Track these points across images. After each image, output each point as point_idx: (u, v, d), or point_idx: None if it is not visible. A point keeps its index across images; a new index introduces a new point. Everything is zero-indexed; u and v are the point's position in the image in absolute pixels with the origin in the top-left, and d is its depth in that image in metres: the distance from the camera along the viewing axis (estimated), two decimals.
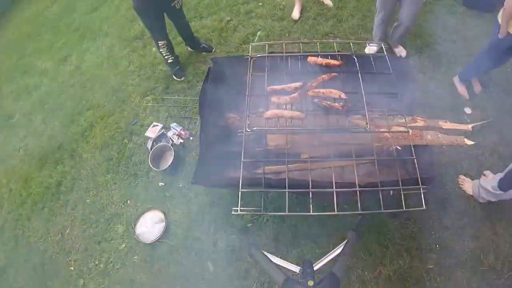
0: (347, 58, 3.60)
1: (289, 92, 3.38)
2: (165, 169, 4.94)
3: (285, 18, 6.66)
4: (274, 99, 3.34)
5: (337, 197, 2.84)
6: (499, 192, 3.85)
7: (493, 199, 4.05)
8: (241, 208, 2.92)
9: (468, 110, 5.03)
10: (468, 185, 4.34)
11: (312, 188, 2.89)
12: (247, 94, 3.38)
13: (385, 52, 3.72)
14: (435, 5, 6.37)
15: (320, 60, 3.48)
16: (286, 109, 3.33)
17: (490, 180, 3.97)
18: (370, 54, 3.82)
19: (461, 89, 5.11)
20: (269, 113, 3.21)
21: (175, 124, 5.55)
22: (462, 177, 4.42)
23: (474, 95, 5.12)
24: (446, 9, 6.27)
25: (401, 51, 5.74)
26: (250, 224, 4.46)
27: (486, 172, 4.40)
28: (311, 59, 3.52)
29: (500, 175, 3.77)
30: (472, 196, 4.26)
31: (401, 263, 3.99)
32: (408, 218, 4.25)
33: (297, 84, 3.37)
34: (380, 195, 2.88)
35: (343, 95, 3.20)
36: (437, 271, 3.95)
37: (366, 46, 5.67)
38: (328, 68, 3.49)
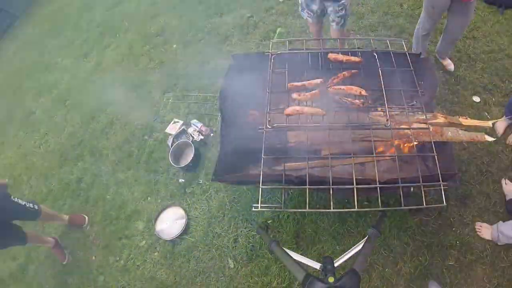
0: (368, 55, 3.59)
1: (309, 89, 3.39)
2: (186, 165, 4.94)
3: None
4: (294, 95, 3.35)
5: (358, 194, 2.83)
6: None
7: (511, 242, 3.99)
8: (261, 205, 2.92)
9: (476, 99, 5.03)
10: (486, 232, 4.17)
11: (332, 185, 2.87)
12: (267, 90, 3.39)
13: (405, 48, 3.70)
14: (470, 18, 6.34)
15: (340, 56, 3.49)
16: (306, 105, 3.33)
17: (509, 224, 3.89)
18: (391, 50, 3.78)
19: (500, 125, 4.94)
20: (289, 109, 3.22)
21: (195, 120, 5.54)
22: (478, 223, 4.25)
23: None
24: None
25: (449, 64, 5.54)
26: (270, 221, 4.45)
27: (507, 181, 4.36)
28: (331, 56, 3.53)
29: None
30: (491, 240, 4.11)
31: (421, 260, 3.97)
32: (429, 214, 4.21)
33: (318, 80, 3.37)
34: (400, 192, 2.86)
35: (363, 92, 3.21)
36: (458, 267, 3.92)
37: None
38: (349, 65, 3.49)
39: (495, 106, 4.91)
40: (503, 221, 3.93)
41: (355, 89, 3.23)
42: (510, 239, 3.88)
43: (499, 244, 4.00)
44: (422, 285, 3.85)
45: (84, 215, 5.16)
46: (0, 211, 4.13)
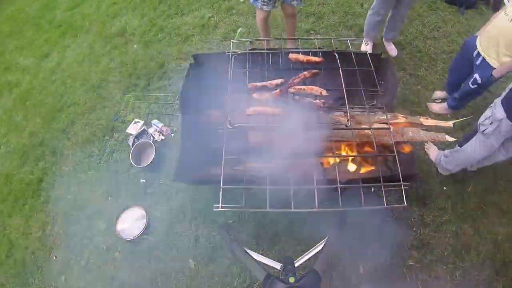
0: (328, 55, 3.63)
1: (270, 89, 3.42)
2: (146, 165, 4.95)
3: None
4: (255, 96, 3.38)
5: (318, 194, 2.86)
6: (455, 148, 4.13)
7: (450, 167, 4.26)
8: (222, 205, 2.95)
9: (437, 99, 5.20)
10: (433, 152, 4.58)
11: (293, 185, 2.90)
12: (228, 90, 3.39)
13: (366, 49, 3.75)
14: (416, 2, 6.42)
15: (301, 57, 3.52)
16: (267, 106, 3.33)
17: (448, 156, 4.25)
18: (351, 50, 3.83)
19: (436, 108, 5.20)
20: (251, 110, 3.24)
21: (156, 120, 5.56)
22: (430, 142, 4.61)
23: None
24: (427, 5, 6.33)
25: (393, 49, 5.76)
26: (231, 221, 4.49)
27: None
28: (292, 56, 3.56)
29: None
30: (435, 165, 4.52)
31: (382, 260, 4.03)
32: (390, 214, 4.28)
33: (279, 80, 3.41)
34: (361, 192, 2.89)
35: (324, 92, 3.25)
36: (419, 267, 4.02)
37: (364, 44, 5.65)
38: (309, 65, 3.50)
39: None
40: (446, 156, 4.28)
41: (316, 89, 3.28)
42: (444, 170, 4.40)
43: (438, 169, 4.49)
44: (383, 285, 3.91)
45: None
46: None
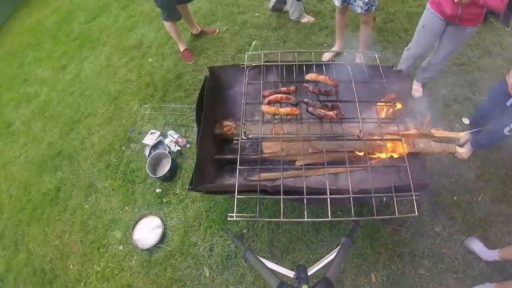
0: (341, 67, 3.67)
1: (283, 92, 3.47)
2: (163, 175, 4.99)
3: (280, 27, 6.72)
4: (265, 93, 3.46)
5: (331, 204, 2.88)
6: None
7: None
8: (236, 214, 2.96)
9: (466, 121, 5.13)
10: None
11: (306, 195, 2.92)
12: (243, 102, 3.44)
13: (378, 61, 3.78)
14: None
15: (321, 77, 3.50)
16: (281, 107, 3.40)
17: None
18: (364, 63, 3.83)
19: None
20: (265, 107, 3.30)
21: (172, 131, 5.60)
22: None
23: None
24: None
25: (417, 90, 5.51)
26: (245, 230, 4.52)
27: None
28: (312, 76, 3.54)
29: None
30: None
31: (393, 268, 4.06)
32: (401, 224, 4.31)
33: (291, 87, 3.49)
34: (373, 202, 2.92)
35: (336, 82, 3.37)
36: (429, 276, 4.02)
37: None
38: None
39: (466, 118, 5.03)
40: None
41: (326, 79, 3.39)
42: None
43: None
44: None
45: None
46: None
